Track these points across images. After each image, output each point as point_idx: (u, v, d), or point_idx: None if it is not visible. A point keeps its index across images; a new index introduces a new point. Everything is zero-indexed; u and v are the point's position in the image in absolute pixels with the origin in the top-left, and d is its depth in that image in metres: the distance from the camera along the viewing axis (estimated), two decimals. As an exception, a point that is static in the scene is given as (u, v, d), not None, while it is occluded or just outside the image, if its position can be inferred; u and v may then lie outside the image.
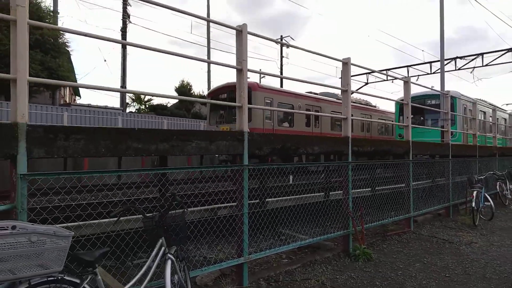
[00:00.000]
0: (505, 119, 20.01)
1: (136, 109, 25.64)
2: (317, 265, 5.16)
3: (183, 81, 27.91)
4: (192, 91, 27.83)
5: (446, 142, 8.95)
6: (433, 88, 9.94)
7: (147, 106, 25.73)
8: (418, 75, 26.29)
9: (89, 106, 18.63)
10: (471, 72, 24.74)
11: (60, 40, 15.86)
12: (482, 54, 23.63)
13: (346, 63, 5.67)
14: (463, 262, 5.38)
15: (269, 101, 14.70)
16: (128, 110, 22.61)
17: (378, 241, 6.52)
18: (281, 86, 30.09)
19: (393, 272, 4.90)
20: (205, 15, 23.44)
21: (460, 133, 13.57)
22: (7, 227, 2.26)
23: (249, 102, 13.32)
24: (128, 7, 21.10)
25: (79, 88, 32.31)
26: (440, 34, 11.18)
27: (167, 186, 5.55)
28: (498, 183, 10.55)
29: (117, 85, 20.29)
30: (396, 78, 9.35)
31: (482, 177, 8.66)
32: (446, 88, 13.53)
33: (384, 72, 22.02)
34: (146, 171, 4.44)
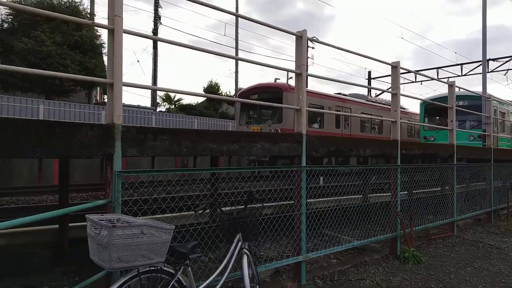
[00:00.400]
0: None
1: (166, 109, 26.25)
2: (367, 266, 5.22)
3: (211, 81, 28.38)
4: (220, 91, 28.23)
5: (488, 146, 8.80)
6: (449, 79, 9.75)
7: (176, 105, 26.30)
8: (448, 77, 25.69)
9: (122, 105, 19.12)
10: (505, 74, 24.03)
11: (97, 42, 16.43)
12: (517, 55, 22.92)
13: (395, 67, 5.70)
14: (515, 267, 5.33)
15: (300, 102, 14.76)
16: (158, 109, 23.18)
17: (424, 245, 6.51)
18: (306, 86, 29.99)
19: (446, 276, 4.91)
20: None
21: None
22: (114, 219, 2.47)
23: (280, 103, 13.47)
24: (159, 8, 21.60)
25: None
26: (483, 35, 10.98)
27: (216, 184, 5.76)
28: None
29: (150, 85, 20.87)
30: (441, 80, 9.02)
31: (526, 182, 8.47)
32: (475, 90, 13.37)
33: (422, 73, 21.58)
34: (218, 170, 4.58)
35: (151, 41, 22.72)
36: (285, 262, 4.21)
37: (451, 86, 7.05)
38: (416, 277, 4.83)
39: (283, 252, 5.11)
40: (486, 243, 6.75)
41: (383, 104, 21.01)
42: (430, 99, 13.23)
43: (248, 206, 3.22)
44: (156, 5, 21.35)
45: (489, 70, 24.69)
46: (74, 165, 13.28)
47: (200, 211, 3.05)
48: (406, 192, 6.56)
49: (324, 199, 7.55)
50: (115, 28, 2.87)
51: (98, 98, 31.46)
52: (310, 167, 4.42)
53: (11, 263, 4.92)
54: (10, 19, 14.69)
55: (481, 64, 25.07)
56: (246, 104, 16.04)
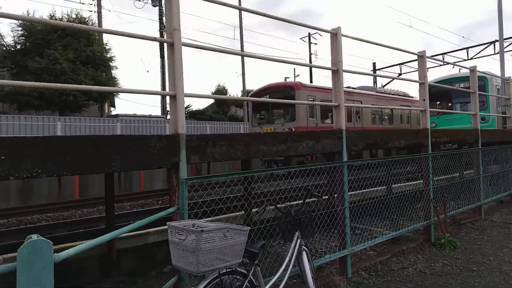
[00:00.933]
0: None
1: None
2: (406, 255, 5.34)
3: (219, 85, 28.57)
4: (228, 94, 28.43)
5: (509, 128, 8.88)
6: (456, 64, 9.57)
7: (186, 112, 26.49)
8: (455, 62, 25.64)
9: (134, 116, 19.48)
10: (512, 55, 23.92)
11: (108, 55, 16.69)
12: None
13: (421, 56, 5.83)
14: (553, 246, 5.42)
15: (312, 99, 14.88)
16: (168, 117, 23.43)
17: (454, 230, 6.61)
18: (311, 81, 30.20)
19: (485, 258, 5.02)
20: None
21: (494, 118, 12.54)
22: (189, 225, 2.62)
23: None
24: (164, 17, 21.80)
25: (115, 99, 33.71)
26: (498, 14, 10.96)
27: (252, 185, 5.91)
28: None
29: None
30: (460, 66, 8.90)
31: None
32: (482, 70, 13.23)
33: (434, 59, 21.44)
34: (272, 170, 4.71)
35: (157, 49, 22.88)
36: (333, 257, 4.34)
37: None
38: (456, 262, 4.94)
39: (325, 247, 5.25)
40: (517, 224, 6.84)
41: (392, 94, 21.07)
42: (433, 82, 12.82)
43: (305, 202, 3.36)
44: (161, 14, 21.56)
45: (496, 52, 24.62)
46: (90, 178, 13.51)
47: (262, 211, 3.21)
48: (437, 179, 6.66)
49: (353, 192, 7.66)
50: (174, 41, 3.01)
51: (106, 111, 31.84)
52: (351, 161, 4.56)
53: (63, 276, 5.11)
54: (22, 40, 14.97)
55: (487, 47, 25.09)
56: (257, 105, 16.20)
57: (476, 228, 6.78)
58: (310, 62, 33.17)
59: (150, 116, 19.96)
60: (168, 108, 25.44)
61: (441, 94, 13.59)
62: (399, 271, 4.69)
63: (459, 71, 10.12)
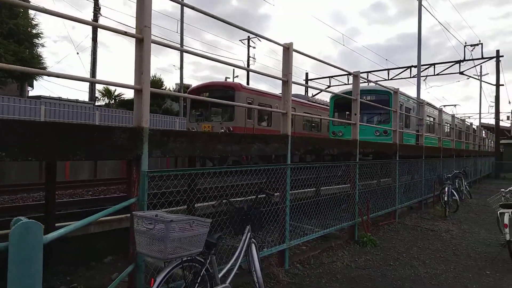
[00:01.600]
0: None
1: (105, 103, 24.92)
2: (335, 250, 5.94)
3: (154, 76, 27.53)
4: (163, 87, 27.59)
5: (420, 144, 10.20)
6: (377, 82, 10.00)
7: (117, 100, 25.11)
8: (377, 81, 28.24)
9: (60, 99, 17.96)
10: (424, 80, 27.20)
11: (34, 31, 15.24)
12: (434, 64, 26.12)
13: (356, 76, 6.51)
14: (449, 246, 6.45)
15: (250, 101, 15.31)
16: (97, 103, 22.04)
17: (374, 230, 7.45)
18: (247, 83, 30.80)
19: (399, 255, 5.82)
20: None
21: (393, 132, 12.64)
22: (153, 215, 2.74)
23: (233, 102, 13.70)
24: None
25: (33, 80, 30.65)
26: (418, 44, 12.46)
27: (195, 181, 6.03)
28: (457, 180, 12.12)
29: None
30: (381, 85, 9.83)
31: (450, 175, 10.01)
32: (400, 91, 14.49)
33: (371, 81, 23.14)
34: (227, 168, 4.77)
35: (90, 31, 21.47)
36: (274, 250, 4.70)
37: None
38: (376, 257, 5.65)
39: (261, 241, 5.60)
40: (422, 227, 7.96)
41: (321, 104, 22.50)
42: (340, 93, 12.63)
43: (258, 199, 3.64)
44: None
45: (411, 76, 27.75)
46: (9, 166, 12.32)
47: (218, 205, 3.41)
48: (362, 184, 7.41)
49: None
50: (144, 38, 3.08)
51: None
52: (294, 164, 4.96)
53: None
54: None
55: (405, 70, 28.12)
56: (196, 101, 16.14)
57: (392, 229, 7.73)
58: (248, 65, 33.89)
59: (77, 101, 18.62)
60: (96, 94, 24.01)
61: (349, 105, 13.43)
62: (328, 265, 5.23)
63: (368, 84, 10.53)
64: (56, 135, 2.54)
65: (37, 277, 1.59)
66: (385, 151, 7.92)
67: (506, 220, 5.36)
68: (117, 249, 4.83)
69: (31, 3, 16.23)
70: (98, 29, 21.40)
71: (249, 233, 3.61)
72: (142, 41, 3.09)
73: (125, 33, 3.03)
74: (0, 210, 7.10)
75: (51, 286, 4.33)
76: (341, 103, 14.57)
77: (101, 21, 19.56)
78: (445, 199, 9.07)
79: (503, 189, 6.65)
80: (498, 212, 5.79)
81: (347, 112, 14.40)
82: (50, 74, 2.72)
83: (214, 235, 3.08)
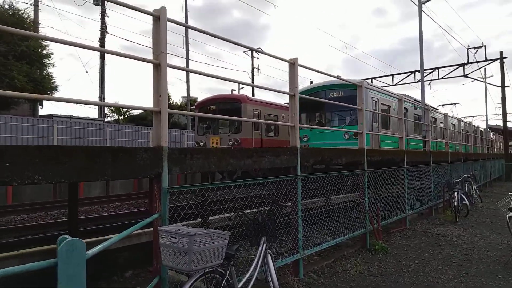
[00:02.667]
0: (454, 125, 18.75)
1: (115, 120, 25.40)
2: (347, 259, 6.04)
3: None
4: (171, 101, 28.00)
5: (427, 150, 10.28)
6: (339, 77, 8.16)
7: (126, 116, 25.57)
8: (383, 87, 28.32)
9: (70, 117, 18.37)
10: (429, 84, 27.25)
11: (44, 52, 15.71)
12: (438, 68, 26.20)
13: (360, 86, 6.68)
14: (460, 251, 6.51)
15: (257, 113, 15.54)
16: (106, 119, 22.49)
17: (385, 238, 7.53)
18: (253, 95, 31.10)
19: (411, 261, 5.90)
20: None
21: (367, 135, 8.48)
22: (176, 229, 2.91)
23: (239, 114, 13.98)
24: (106, 17, 21.13)
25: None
26: (420, 48, 12.59)
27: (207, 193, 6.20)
28: (466, 184, 12.13)
29: (97, 95, 20.31)
30: (387, 91, 9.64)
31: (459, 179, 10.06)
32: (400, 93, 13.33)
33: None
34: (250, 181, 4.96)
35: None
36: (289, 260, 4.83)
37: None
38: (388, 265, 5.74)
39: (276, 251, 5.72)
40: (433, 232, 8.01)
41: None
42: (306, 90, 11.88)
43: (272, 210, 3.80)
44: (103, 13, 20.86)
45: (416, 81, 27.83)
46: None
47: (235, 217, 3.57)
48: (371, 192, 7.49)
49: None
50: (160, 63, 3.29)
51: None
52: (304, 175, 5.11)
53: None
54: None
55: (409, 75, 28.21)
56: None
57: (403, 236, 7.80)
58: (253, 75, 34.20)
59: (87, 119, 19.01)
60: (106, 111, 24.48)
61: (313, 104, 11.54)
62: (342, 273, 5.33)
63: (338, 78, 8.62)
64: (86, 157, 2.74)
65: (83, 290, 1.76)
66: (392, 158, 8.03)
67: (515, 224, 5.43)
68: (137, 263, 4.99)
69: (40, 26, 16.77)
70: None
71: (264, 244, 3.76)
72: (159, 66, 3.31)
73: (143, 60, 3.24)
74: (23, 228, 7.34)
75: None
76: (308, 102, 11.35)
77: (107, 38, 20.03)
78: (455, 204, 9.11)
79: (511, 193, 6.71)
80: (507, 216, 5.86)
81: (317, 113, 12.94)
82: (68, 101, 2.93)
83: (232, 246, 3.24)
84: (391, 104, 12.49)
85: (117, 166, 2.96)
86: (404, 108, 11.78)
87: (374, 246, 6.45)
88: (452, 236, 7.68)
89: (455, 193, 9.25)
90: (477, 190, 13.18)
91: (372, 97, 11.53)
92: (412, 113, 13.59)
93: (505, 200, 6.85)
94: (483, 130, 27.83)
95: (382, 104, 12.05)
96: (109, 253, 4.94)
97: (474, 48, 26.42)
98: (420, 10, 13.36)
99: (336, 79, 8.22)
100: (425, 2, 13.51)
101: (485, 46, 25.51)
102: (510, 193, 6.67)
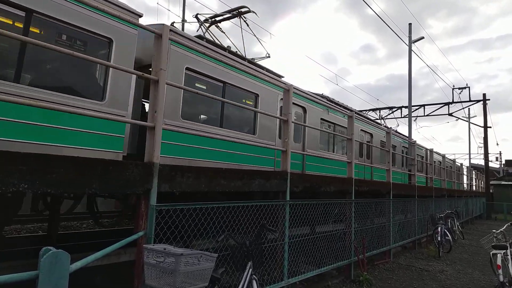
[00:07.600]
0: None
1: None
2: (331, 289, 5.93)
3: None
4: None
5: (413, 183, 10.41)
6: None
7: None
8: (375, 119, 29.03)
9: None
10: (415, 120, 27.94)
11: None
12: (424, 105, 27.00)
13: (351, 117, 6.80)
14: (444, 286, 6.48)
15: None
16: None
17: (370, 269, 7.46)
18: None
19: (395, 295, 5.83)
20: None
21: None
22: (161, 249, 2.83)
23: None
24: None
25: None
26: (408, 88, 13.02)
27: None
28: (449, 220, 12.24)
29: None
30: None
31: (442, 215, 10.16)
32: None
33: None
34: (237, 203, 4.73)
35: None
36: (274, 287, 4.71)
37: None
38: (372, 297, 5.66)
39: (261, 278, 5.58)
40: (417, 266, 7.98)
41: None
42: None
43: (261, 236, 3.73)
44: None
45: (402, 116, 28.59)
46: None
47: (220, 240, 3.50)
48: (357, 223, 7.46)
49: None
50: (159, 80, 3.31)
51: None
52: (293, 201, 5.09)
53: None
54: None
55: (396, 110, 28.95)
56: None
57: (387, 268, 7.74)
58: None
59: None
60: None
61: None
62: (325, 304, 5.22)
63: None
64: (74, 168, 2.68)
65: (63, 305, 1.67)
66: (381, 190, 8.09)
67: (498, 261, 5.46)
68: (116, 282, 4.79)
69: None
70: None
71: (250, 269, 3.68)
72: (158, 82, 3.32)
73: (142, 75, 3.25)
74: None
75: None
76: None
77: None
78: (438, 239, 9.15)
79: (494, 230, 6.79)
80: (491, 253, 5.90)
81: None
82: (62, 111, 2.91)
83: (218, 270, 3.16)
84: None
85: (106, 179, 2.89)
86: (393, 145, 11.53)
87: (359, 277, 6.36)
88: (435, 271, 7.66)
89: (439, 228, 9.31)
90: (459, 227, 13.31)
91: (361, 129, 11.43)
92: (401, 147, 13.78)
93: (488, 237, 6.91)
94: (466, 168, 28.41)
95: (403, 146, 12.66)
96: (86, 272, 4.74)
97: (459, 88, 27.40)
98: (410, 50, 13.92)
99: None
100: (415, 41, 14.07)
101: (469, 87, 26.54)
102: (493, 231, 6.75)
